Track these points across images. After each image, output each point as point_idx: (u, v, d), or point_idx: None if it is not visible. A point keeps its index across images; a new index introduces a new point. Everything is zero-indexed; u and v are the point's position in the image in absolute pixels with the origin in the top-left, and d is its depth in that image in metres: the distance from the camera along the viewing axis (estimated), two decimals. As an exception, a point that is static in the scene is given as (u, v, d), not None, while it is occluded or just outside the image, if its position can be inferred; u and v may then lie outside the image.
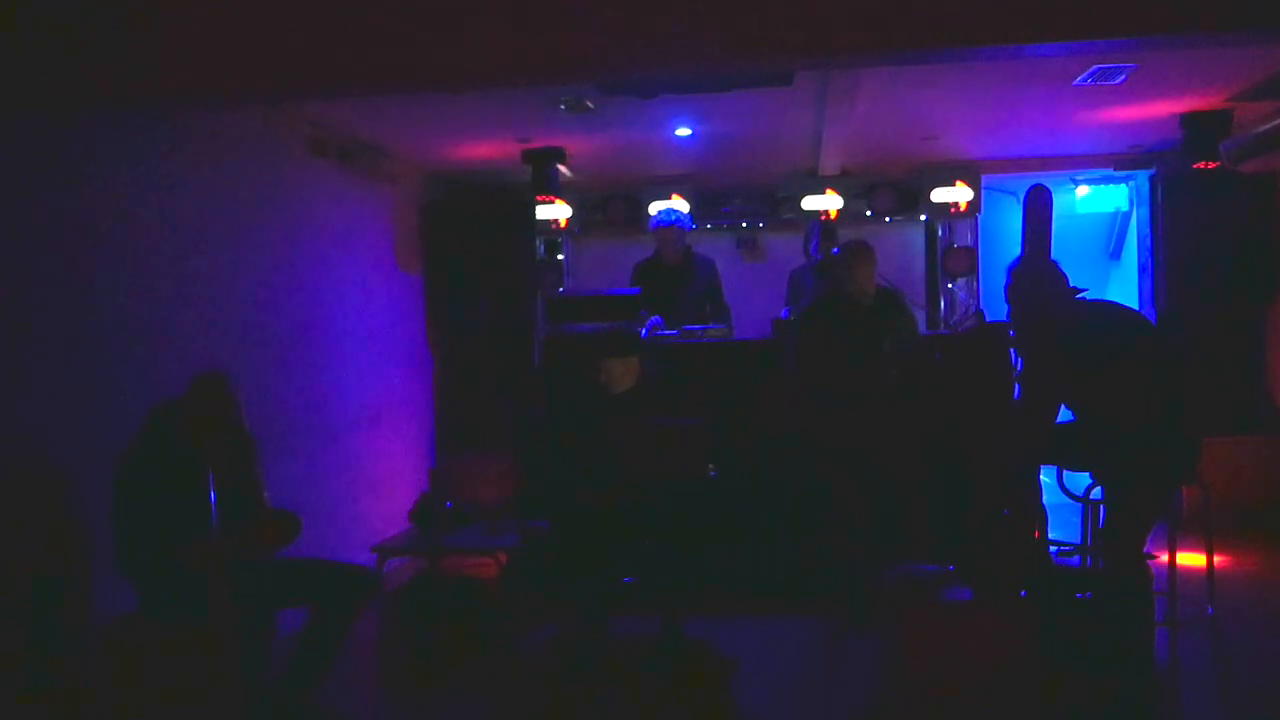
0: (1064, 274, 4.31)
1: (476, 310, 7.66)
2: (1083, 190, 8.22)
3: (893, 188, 8.07)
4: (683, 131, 6.66)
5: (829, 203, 7.90)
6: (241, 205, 5.20)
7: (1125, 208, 8.31)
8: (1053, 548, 4.75)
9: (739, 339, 6.24)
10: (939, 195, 7.87)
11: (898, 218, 8.16)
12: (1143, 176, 7.84)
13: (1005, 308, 4.52)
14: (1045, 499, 4.73)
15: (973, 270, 8.05)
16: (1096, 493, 4.46)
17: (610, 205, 8.28)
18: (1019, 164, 7.91)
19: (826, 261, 6.77)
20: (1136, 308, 7.02)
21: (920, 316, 6.81)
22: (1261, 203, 7.25)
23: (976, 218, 8.04)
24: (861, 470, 5.05)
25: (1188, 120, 6.46)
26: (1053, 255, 4.49)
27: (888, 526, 5.12)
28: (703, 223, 8.05)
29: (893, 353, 5.15)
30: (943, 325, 7.88)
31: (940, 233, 8.19)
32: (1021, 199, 4.69)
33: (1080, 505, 4.61)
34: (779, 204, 8.22)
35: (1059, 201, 5.29)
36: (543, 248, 8.21)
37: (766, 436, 5.65)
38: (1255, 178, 7.15)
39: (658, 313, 6.12)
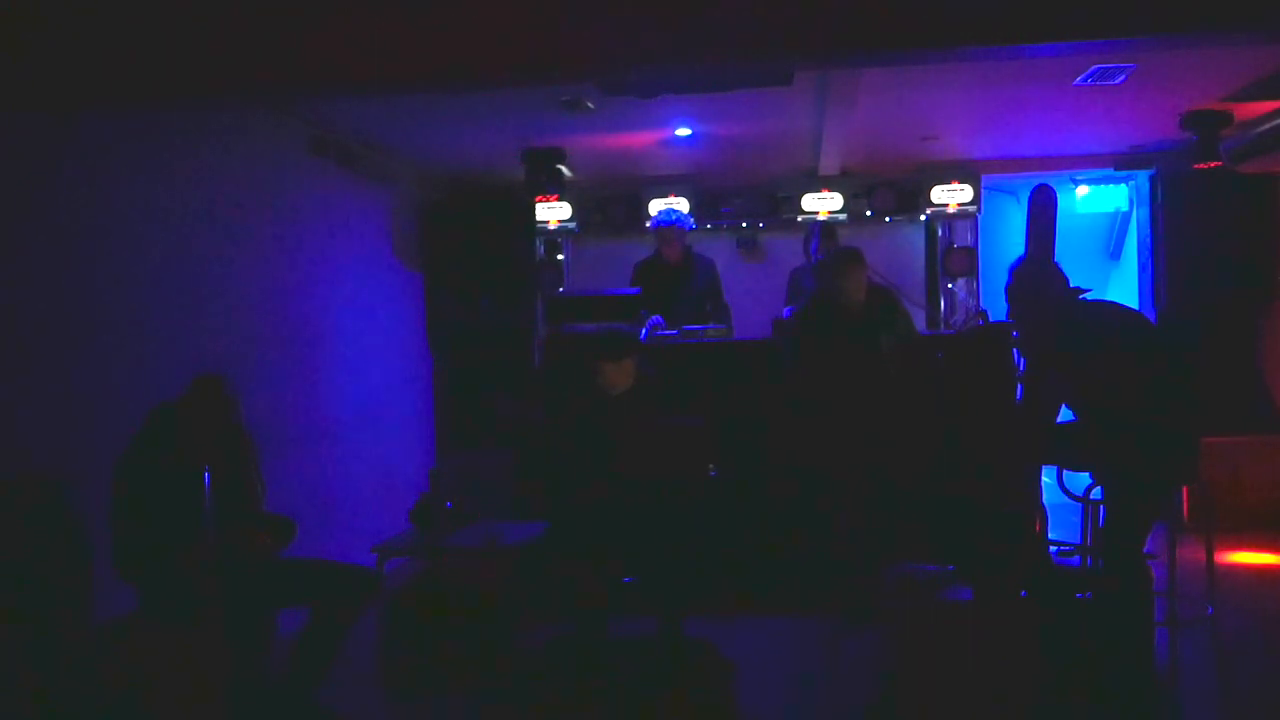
0: (1065, 275, 4.31)
1: (476, 310, 7.66)
2: (1083, 190, 8.22)
3: (893, 188, 8.07)
4: (683, 131, 6.66)
5: (828, 203, 7.90)
6: (241, 205, 5.20)
7: (1125, 208, 8.32)
8: (1053, 548, 4.75)
9: (739, 339, 6.23)
10: (939, 195, 7.88)
11: (898, 218, 8.17)
12: (1143, 176, 7.84)
13: (1005, 306, 4.53)
14: (1045, 499, 4.73)
15: (973, 270, 8.06)
16: (1096, 493, 4.46)
17: (610, 205, 8.28)
18: (1019, 164, 7.92)
19: (819, 265, 6.78)
20: (1137, 308, 7.02)
21: (920, 316, 6.82)
22: (1261, 203, 7.25)
23: (976, 218, 8.05)
24: (864, 472, 5.04)
25: (1188, 120, 6.46)
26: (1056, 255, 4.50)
27: (888, 526, 5.11)
28: (703, 223, 8.06)
29: (891, 352, 5.14)
30: (943, 325, 7.89)
31: (940, 233, 8.20)
32: (1021, 199, 4.70)
33: (1080, 505, 4.61)
34: (779, 204, 8.22)
35: (1059, 202, 5.31)
36: (543, 248, 8.22)
37: (768, 439, 5.64)
38: (1255, 178, 7.15)
39: (658, 312, 6.12)
